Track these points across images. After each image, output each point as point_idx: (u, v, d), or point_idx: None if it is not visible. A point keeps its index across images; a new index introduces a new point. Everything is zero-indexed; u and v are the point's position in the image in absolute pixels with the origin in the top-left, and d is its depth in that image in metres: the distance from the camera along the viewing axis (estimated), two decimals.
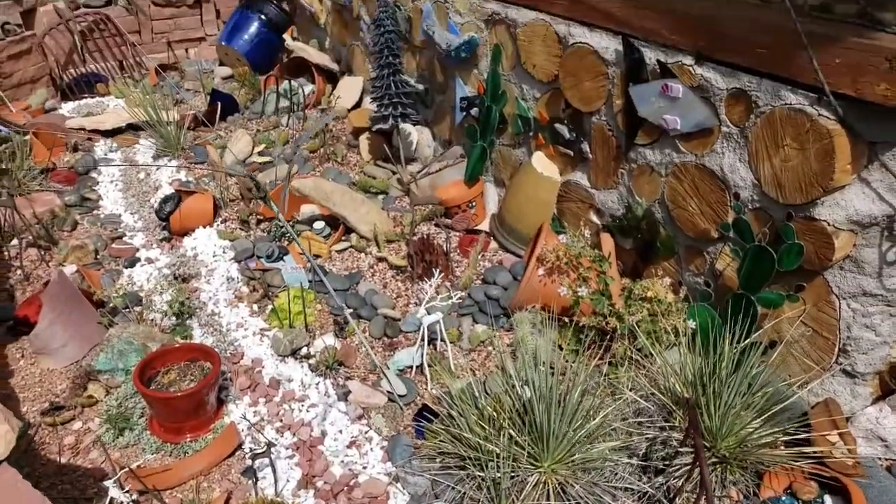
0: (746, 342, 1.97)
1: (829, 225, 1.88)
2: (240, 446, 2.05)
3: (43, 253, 2.89)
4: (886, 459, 1.94)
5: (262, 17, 5.03)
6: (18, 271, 2.81)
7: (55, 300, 2.34)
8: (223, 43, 5.02)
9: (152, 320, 2.53)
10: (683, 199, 2.30)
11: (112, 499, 1.73)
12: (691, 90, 2.16)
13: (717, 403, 1.91)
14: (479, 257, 2.93)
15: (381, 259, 2.94)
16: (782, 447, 1.92)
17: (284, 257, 2.86)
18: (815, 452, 1.87)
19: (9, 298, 2.66)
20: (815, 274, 1.97)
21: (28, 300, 2.52)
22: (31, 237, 2.92)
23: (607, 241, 2.55)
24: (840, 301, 1.94)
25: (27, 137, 3.66)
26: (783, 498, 1.86)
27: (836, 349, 1.98)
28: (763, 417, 1.89)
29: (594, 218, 2.76)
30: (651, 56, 2.28)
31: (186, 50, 5.49)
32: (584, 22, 2.52)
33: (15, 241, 2.92)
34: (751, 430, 1.88)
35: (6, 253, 2.89)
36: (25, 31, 4.73)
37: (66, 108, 4.65)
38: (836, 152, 1.79)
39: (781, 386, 1.99)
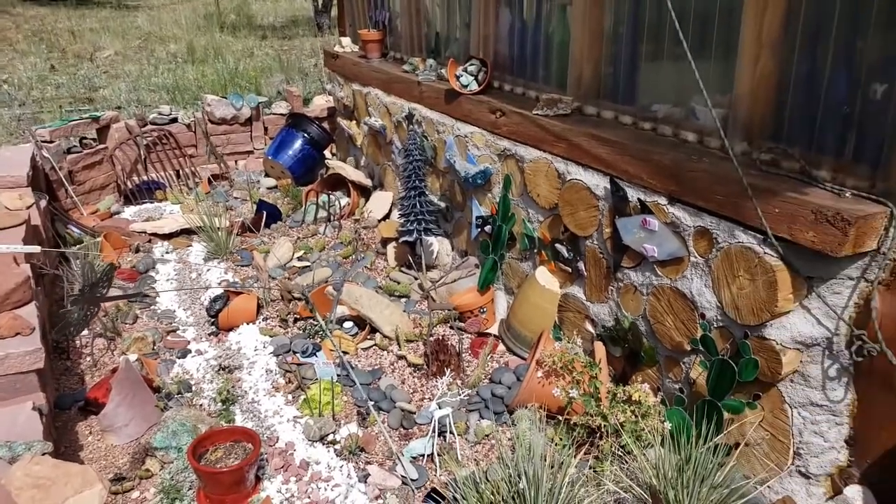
0: (712, 443, 2.28)
1: (777, 344, 2.22)
2: None
3: (108, 343, 3.34)
4: None
5: (306, 135, 5.69)
6: (88, 358, 3.24)
7: (122, 385, 2.74)
8: (270, 157, 5.65)
9: (201, 405, 2.93)
10: (661, 315, 2.68)
11: None
12: (665, 225, 2.59)
13: (689, 499, 2.20)
14: (489, 358, 3.29)
15: (400, 357, 3.32)
16: None
17: (317, 353, 3.25)
18: None
19: (80, 382, 3.08)
20: (770, 385, 2.30)
21: (97, 384, 2.93)
22: (99, 328, 3.37)
23: (599, 349, 2.91)
24: (792, 410, 2.26)
25: (98, 239, 4.21)
26: None
27: (791, 452, 2.28)
28: None
29: (589, 327, 3.13)
30: (633, 194, 2.72)
31: (236, 162, 6.15)
32: (579, 162, 3.00)
33: (85, 332, 3.38)
34: None
35: (78, 342, 3.34)
36: (100, 145, 5.44)
37: (129, 211, 5.24)
38: (779, 284, 2.16)
39: (744, 484, 2.28)
